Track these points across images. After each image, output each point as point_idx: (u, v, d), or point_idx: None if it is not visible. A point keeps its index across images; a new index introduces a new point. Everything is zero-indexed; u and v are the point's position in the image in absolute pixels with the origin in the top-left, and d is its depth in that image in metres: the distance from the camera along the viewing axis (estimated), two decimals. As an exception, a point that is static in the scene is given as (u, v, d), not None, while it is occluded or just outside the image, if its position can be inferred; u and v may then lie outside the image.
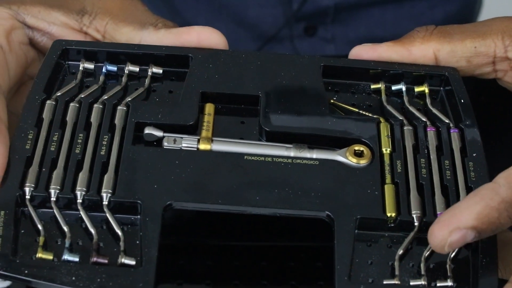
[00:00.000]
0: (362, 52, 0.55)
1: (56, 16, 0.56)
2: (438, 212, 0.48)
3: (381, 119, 0.52)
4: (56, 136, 0.50)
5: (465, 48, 0.54)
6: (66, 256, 0.46)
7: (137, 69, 0.54)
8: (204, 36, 0.54)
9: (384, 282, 0.46)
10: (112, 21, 0.55)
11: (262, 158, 0.50)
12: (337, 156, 0.50)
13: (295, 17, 0.84)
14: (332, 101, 0.54)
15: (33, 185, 0.47)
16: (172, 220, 0.52)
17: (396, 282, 0.46)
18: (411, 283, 0.46)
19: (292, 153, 0.50)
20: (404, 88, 0.54)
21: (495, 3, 1.07)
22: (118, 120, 0.51)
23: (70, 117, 0.51)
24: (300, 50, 0.88)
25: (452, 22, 0.89)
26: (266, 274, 0.53)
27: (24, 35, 0.55)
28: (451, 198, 0.48)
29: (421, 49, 0.54)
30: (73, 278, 0.44)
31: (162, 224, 0.47)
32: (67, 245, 0.46)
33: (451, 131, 0.51)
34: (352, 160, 0.50)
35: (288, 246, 0.54)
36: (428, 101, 0.53)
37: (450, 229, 0.43)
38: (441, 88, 0.54)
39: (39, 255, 0.45)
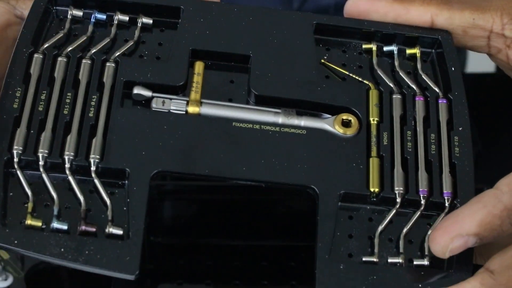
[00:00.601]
0: (360, 3, 0.53)
1: None
2: (420, 189, 0.49)
3: (371, 85, 0.52)
4: (44, 94, 0.49)
5: (463, 18, 0.53)
6: (55, 224, 0.46)
7: (126, 18, 0.53)
8: None
9: (363, 259, 0.47)
10: None
11: (250, 126, 0.50)
12: (324, 125, 0.50)
13: None
14: (322, 61, 0.53)
15: (21, 148, 0.47)
16: (173, 220, 0.53)
17: (375, 259, 0.47)
18: (389, 260, 0.47)
19: (280, 119, 0.50)
20: (395, 50, 0.53)
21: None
22: (106, 78, 0.50)
23: (58, 73, 0.50)
24: None
25: None
26: (266, 274, 0.54)
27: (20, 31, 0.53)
28: (434, 175, 0.49)
29: (420, 10, 0.53)
30: (62, 249, 0.45)
31: (149, 194, 0.47)
32: (55, 212, 0.47)
33: (439, 101, 0.51)
34: (339, 130, 0.50)
35: (289, 246, 0.55)
36: (418, 65, 0.53)
37: (452, 236, 0.44)
38: (433, 51, 0.54)
39: (28, 221, 0.46)
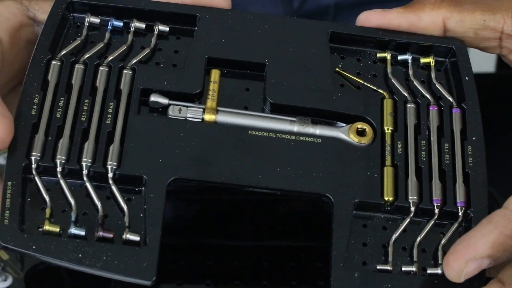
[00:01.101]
0: (372, 17, 0.54)
1: None
2: (434, 198, 0.49)
3: (385, 94, 0.52)
4: (62, 101, 0.50)
5: (474, 20, 0.53)
6: (73, 230, 0.47)
7: (143, 25, 0.53)
8: None
9: (378, 268, 0.48)
10: None
11: (266, 134, 0.50)
12: (339, 134, 0.51)
13: (296, 15, 0.82)
14: (337, 69, 0.54)
15: (39, 154, 0.48)
16: (173, 220, 0.53)
17: (389, 268, 0.48)
18: (403, 269, 0.48)
19: (295, 127, 0.51)
20: (410, 59, 0.54)
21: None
22: (124, 86, 0.51)
23: (75, 80, 0.50)
24: None
25: None
26: (266, 274, 0.55)
27: (33, 33, 0.54)
28: (447, 184, 0.49)
29: (431, 15, 0.53)
30: (80, 255, 0.46)
31: (166, 200, 0.48)
32: (73, 218, 0.47)
33: (453, 110, 0.52)
34: (354, 139, 0.50)
35: (289, 246, 0.56)
36: (432, 74, 0.53)
37: (466, 260, 0.44)
38: (446, 60, 0.54)
39: (46, 227, 0.47)
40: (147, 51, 0.52)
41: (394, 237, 0.48)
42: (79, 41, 0.52)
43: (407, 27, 0.54)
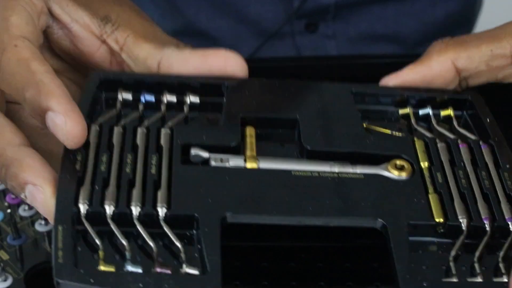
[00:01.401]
0: (388, 81, 0.57)
1: (81, 15, 0.56)
2: (483, 217, 0.49)
3: (415, 138, 0.54)
4: (105, 157, 0.50)
5: (482, 53, 0.56)
6: (129, 268, 0.45)
7: (174, 99, 0.55)
8: (231, 62, 0.55)
9: (443, 280, 0.47)
10: (133, 35, 0.56)
11: (309, 174, 0.51)
12: (380, 170, 0.52)
13: (296, 14, 0.85)
14: (365, 125, 0.55)
15: (87, 202, 0.47)
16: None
17: (455, 280, 0.47)
18: (469, 280, 0.47)
19: (336, 169, 0.52)
20: (431, 112, 0.56)
21: (495, 3, 1.10)
22: (164, 143, 0.51)
23: (116, 140, 0.51)
24: (301, 46, 0.89)
25: (453, 20, 0.90)
26: (322, 275, 0.53)
27: (45, 22, 0.55)
28: (493, 204, 0.50)
29: (440, 61, 0.56)
30: (140, 284, 0.44)
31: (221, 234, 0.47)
32: (128, 257, 0.46)
33: (482, 146, 0.54)
34: (394, 173, 0.51)
35: (344, 247, 0.55)
36: (454, 122, 0.56)
37: None
38: (464, 112, 0.57)
39: (101, 267, 0.45)
40: (181, 116, 0.54)
41: (453, 253, 0.48)
42: (114, 113, 0.53)
43: (420, 80, 0.56)
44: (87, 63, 0.57)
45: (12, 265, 0.57)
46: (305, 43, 0.88)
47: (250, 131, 0.53)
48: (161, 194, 0.48)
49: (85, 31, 0.56)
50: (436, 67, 0.56)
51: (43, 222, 0.59)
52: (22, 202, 0.61)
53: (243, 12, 0.86)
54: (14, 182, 0.49)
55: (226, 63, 0.55)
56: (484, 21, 0.91)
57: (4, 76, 0.51)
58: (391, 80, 0.57)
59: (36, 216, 0.60)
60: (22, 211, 0.61)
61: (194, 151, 0.51)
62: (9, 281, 0.55)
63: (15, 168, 0.49)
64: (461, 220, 0.49)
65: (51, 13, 0.56)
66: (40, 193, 0.48)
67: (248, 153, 0.52)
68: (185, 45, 0.56)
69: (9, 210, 0.59)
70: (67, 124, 0.48)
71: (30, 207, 0.61)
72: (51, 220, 0.47)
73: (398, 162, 0.52)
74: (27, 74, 0.50)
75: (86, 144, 0.50)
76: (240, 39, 0.87)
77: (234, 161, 0.51)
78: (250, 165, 0.51)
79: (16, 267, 0.56)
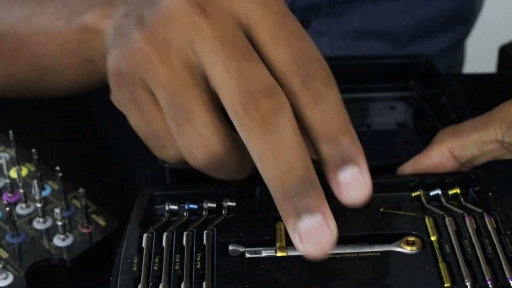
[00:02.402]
0: (403, 170, 0.65)
1: None
2: (487, 278, 0.56)
3: (425, 216, 0.61)
4: (157, 258, 0.59)
5: (473, 141, 0.62)
6: None
7: (214, 205, 0.64)
8: None
9: None
10: None
11: (332, 256, 0.59)
12: (393, 248, 0.59)
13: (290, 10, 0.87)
14: (381, 210, 0.63)
15: None
16: None
17: None
18: None
19: (356, 249, 0.59)
20: (440, 192, 0.64)
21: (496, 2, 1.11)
22: (206, 242, 0.60)
23: (166, 243, 0.60)
24: None
25: (447, 18, 0.90)
26: None
27: None
28: (496, 266, 0.57)
29: (438, 151, 0.63)
30: None
31: None
32: None
33: (485, 217, 0.61)
34: (406, 248, 0.59)
35: None
36: (461, 199, 0.63)
37: None
38: (470, 190, 0.64)
39: None
40: (221, 218, 0.63)
41: None
42: (164, 221, 0.63)
43: (424, 168, 0.64)
44: None
45: (12, 263, 0.59)
46: None
47: (280, 226, 0.62)
48: (205, 285, 0.57)
49: None
50: (435, 156, 0.63)
51: (41, 219, 0.63)
52: (19, 200, 0.64)
53: None
54: None
55: None
56: (486, 20, 0.93)
57: None
58: (405, 169, 0.65)
59: (34, 214, 0.64)
60: (20, 209, 0.64)
61: (232, 247, 0.60)
62: (9, 279, 0.57)
63: None
64: (467, 283, 0.56)
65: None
66: None
67: (278, 244, 0.60)
68: None
69: (7, 209, 0.61)
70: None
71: (28, 205, 0.65)
72: None
73: (409, 238, 0.59)
74: None
75: (140, 250, 0.60)
76: None
77: (266, 252, 0.59)
78: (280, 253, 0.59)
79: (16, 264, 0.59)
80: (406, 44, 0.95)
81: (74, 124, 0.84)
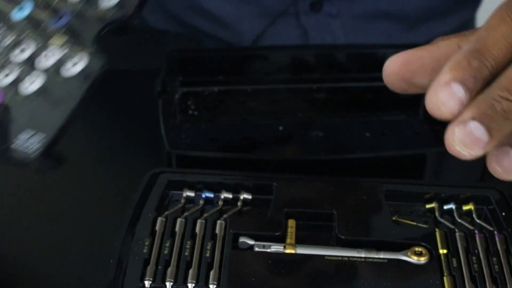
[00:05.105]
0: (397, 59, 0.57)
1: None
2: None
3: (436, 229, 0.62)
4: (168, 242, 0.60)
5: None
6: None
7: (230, 196, 0.65)
8: None
9: None
10: None
11: (340, 258, 0.59)
12: (401, 256, 0.60)
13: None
14: (394, 218, 0.64)
15: (151, 279, 0.57)
16: None
17: None
18: None
19: (363, 254, 0.60)
20: (454, 207, 0.64)
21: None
22: (218, 231, 0.61)
23: (178, 229, 0.61)
24: (306, 26, 0.89)
25: None
26: None
27: None
28: (500, 285, 0.57)
29: (446, 44, 0.57)
30: None
31: None
32: None
33: (496, 236, 0.61)
34: (413, 258, 0.59)
35: None
36: (474, 215, 0.64)
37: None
38: (485, 207, 0.65)
39: None
40: (235, 210, 0.64)
41: None
42: (178, 207, 0.64)
43: (428, 56, 0.57)
44: None
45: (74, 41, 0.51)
46: (310, 23, 0.88)
47: (291, 223, 0.63)
48: (212, 274, 0.58)
49: None
50: (443, 48, 0.58)
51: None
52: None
53: None
54: None
55: None
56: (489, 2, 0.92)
57: None
58: (399, 57, 0.57)
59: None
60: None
61: (241, 239, 0.61)
62: (85, 60, 0.50)
63: None
64: None
65: None
66: None
67: (288, 241, 0.61)
68: None
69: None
70: None
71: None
72: None
73: (417, 248, 0.60)
74: None
75: (153, 233, 0.61)
76: (244, 19, 0.88)
77: (275, 247, 0.60)
78: (288, 250, 0.60)
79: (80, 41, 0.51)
80: (417, 24, 0.94)
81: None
